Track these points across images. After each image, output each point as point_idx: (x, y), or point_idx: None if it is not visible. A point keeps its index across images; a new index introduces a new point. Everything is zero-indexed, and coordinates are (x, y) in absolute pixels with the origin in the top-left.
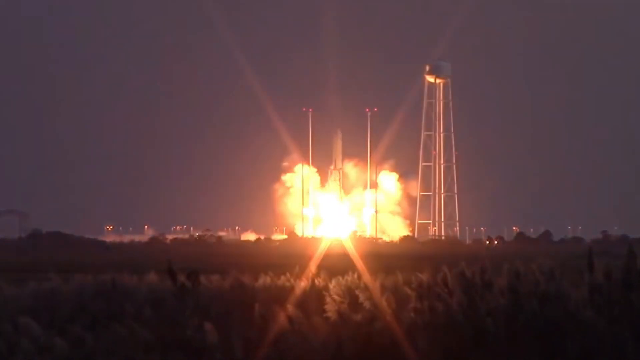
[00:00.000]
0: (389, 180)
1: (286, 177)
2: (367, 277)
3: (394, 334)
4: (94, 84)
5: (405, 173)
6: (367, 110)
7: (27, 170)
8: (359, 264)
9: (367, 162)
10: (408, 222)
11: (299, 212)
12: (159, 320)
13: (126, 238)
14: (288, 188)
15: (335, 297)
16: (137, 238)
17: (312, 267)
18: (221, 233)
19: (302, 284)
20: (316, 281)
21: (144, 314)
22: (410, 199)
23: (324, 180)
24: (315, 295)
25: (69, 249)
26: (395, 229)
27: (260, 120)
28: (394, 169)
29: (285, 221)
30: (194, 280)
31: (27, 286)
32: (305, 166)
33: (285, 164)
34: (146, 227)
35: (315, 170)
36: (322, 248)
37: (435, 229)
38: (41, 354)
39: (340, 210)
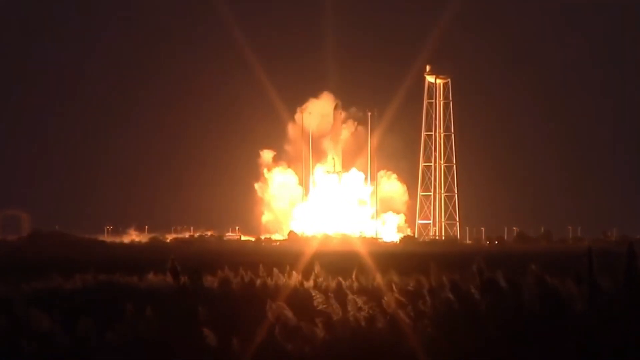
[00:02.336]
0: (356, 180)
1: (273, 176)
2: (368, 277)
3: (394, 334)
4: (94, 84)
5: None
6: (369, 112)
7: (27, 170)
8: (360, 264)
9: (365, 161)
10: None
11: (290, 212)
12: (160, 319)
13: (126, 238)
14: (280, 187)
15: (336, 296)
16: (137, 238)
17: (313, 267)
18: (209, 233)
19: (304, 283)
20: (317, 281)
21: (145, 313)
22: (386, 198)
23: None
24: (316, 295)
25: (69, 248)
26: (393, 229)
27: (260, 120)
28: (394, 169)
29: (280, 221)
30: (196, 279)
31: (28, 286)
32: (290, 169)
33: (265, 166)
34: (146, 227)
35: (294, 173)
36: (318, 247)
37: (435, 229)
38: (49, 347)
39: (339, 208)
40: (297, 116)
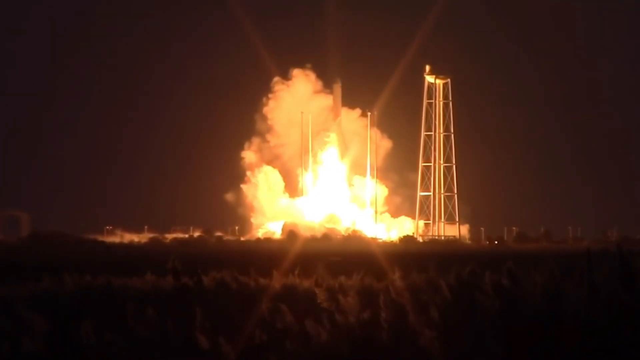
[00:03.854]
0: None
1: (259, 178)
2: (369, 277)
3: (391, 335)
4: (93, 83)
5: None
6: (368, 112)
7: (27, 170)
8: (362, 264)
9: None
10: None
11: (278, 211)
12: (161, 320)
13: (126, 238)
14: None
15: (335, 298)
16: (136, 238)
17: (315, 266)
18: (197, 233)
19: (305, 283)
20: (317, 281)
21: (146, 313)
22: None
23: (289, 186)
24: (316, 295)
25: (69, 249)
26: (397, 229)
27: (258, 123)
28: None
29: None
30: (195, 279)
31: (27, 286)
32: (274, 170)
33: (248, 168)
34: (146, 227)
35: (280, 175)
36: (318, 247)
37: (435, 229)
38: (48, 350)
39: (335, 205)
40: (266, 109)
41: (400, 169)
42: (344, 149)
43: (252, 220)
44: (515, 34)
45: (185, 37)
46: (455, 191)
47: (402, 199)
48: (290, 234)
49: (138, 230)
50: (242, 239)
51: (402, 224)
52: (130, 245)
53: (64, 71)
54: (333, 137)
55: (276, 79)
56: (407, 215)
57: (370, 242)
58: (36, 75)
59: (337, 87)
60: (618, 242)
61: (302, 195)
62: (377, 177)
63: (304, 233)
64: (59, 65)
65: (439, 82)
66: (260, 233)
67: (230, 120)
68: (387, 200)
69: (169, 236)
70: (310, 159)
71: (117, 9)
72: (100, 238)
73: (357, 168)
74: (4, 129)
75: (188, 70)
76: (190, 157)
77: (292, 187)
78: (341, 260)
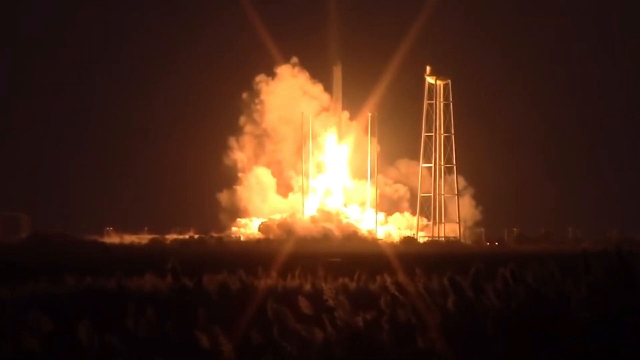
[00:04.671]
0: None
1: (252, 178)
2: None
3: (392, 335)
4: (92, 83)
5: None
6: (369, 114)
7: (27, 171)
8: (362, 265)
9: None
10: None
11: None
12: (162, 321)
13: (126, 239)
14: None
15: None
16: (136, 239)
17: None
18: (191, 234)
19: (305, 284)
20: (317, 282)
21: (146, 314)
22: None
23: (281, 185)
24: (316, 296)
25: (69, 249)
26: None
27: (248, 125)
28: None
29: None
30: (196, 280)
31: (27, 287)
32: (267, 170)
33: (241, 170)
34: (146, 228)
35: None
36: (319, 248)
37: (435, 230)
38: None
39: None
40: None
41: (395, 170)
42: (342, 134)
43: (247, 220)
44: (517, 34)
45: (187, 39)
46: (456, 192)
47: (396, 200)
48: (290, 233)
49: (138, 231)
50: (223, 237)
51: (396, 222)
52: (131, 246)
53: (63, 72)
54: (332, 130)
55: (260, 76)
56: (401, 217)
57: (370, 243)
58: (36, 76)
59: (337, 71)
60: (618, 243)
61: (297, 194)
62: (372, 178)
63: (300, 231)
64: (59, 66)
65: (440, 83)
66: (235, 230)
67: (221, 119)
68: (381, 200)
69: (169, 237)
70: (311, 157)
71: (116, 11)
72: (100, 239)
73: (350, 169)
74: (3, 130)
75: (187, 71)
76: (188, 157)
77: (286, 187)
78: (341, 261)
